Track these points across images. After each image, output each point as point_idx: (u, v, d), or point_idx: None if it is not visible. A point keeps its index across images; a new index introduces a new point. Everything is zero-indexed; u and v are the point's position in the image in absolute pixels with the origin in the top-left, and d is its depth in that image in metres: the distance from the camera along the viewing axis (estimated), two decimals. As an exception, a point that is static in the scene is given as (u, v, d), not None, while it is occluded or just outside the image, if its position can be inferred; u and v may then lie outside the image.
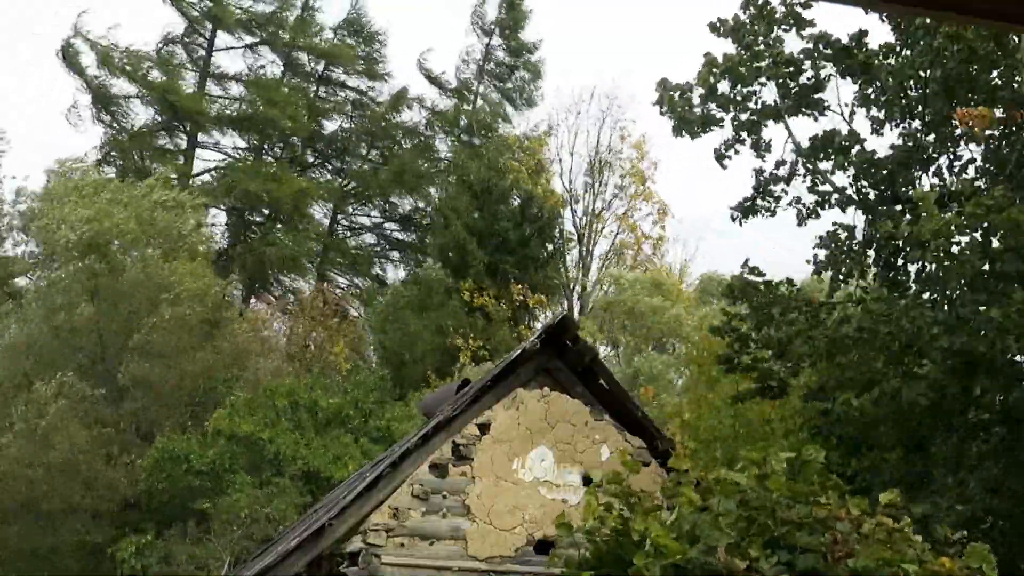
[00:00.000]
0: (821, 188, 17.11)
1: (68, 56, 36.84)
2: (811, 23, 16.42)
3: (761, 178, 17.36)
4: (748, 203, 17.36)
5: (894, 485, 9.72)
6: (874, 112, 16.84)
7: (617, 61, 61.11)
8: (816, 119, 16.97)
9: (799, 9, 16.37)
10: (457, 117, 39.94)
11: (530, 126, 40.06)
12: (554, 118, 39.95)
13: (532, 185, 35.18)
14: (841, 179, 17.09)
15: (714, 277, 39.52)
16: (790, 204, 17.32)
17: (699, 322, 30.68)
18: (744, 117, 16.89)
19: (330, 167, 42.21)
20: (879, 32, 17.07)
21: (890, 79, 15.95)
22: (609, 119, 38.35)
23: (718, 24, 16.69)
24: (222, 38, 39.44)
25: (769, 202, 17.36)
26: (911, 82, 16.01)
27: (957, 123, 15.19)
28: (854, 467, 15.26)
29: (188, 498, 23.97)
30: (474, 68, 40.74)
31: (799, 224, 17.12)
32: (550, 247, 36.17)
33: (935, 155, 16.33)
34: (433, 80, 40.91)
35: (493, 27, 40.35)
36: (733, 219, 17.46)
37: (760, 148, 17.15)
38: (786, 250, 22.95)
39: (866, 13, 15.78)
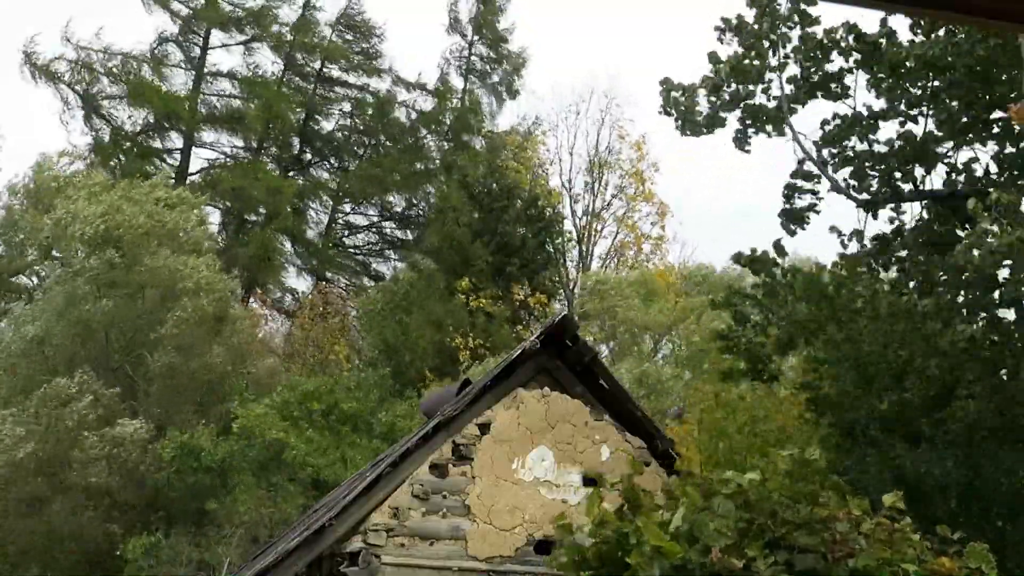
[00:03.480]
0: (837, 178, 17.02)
1: (33, 63, 36.72)
2: (817, 20, 16.39)
3: (794, 179, 17.21)
4: (792, 209, 17.17)
5: (890, 481, 9.72)
6: (882, 103, 16.73)
7: (608, 53, 61.07)
8: (836, 99, 16.85)
9: (803, 5, 16.33)
10: (441, 116, 39.66)
11: (518, 121, 39.89)
12: (552, 117, 39.90)
13: (531, 185, 35.10)
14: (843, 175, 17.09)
15: (700, 269, 39.26)
16: (821, 198, 17.17)
17: (693, 317, 30.55)
18: (747, 115, 16.87)
19: (327, 165, 42.18)
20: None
21: (909, 63, 15.76)
22: (608, 118, 38.34)
23: (723, 26, 16.67)
24: (217, 36, 39.48)
25: (811, 202, 17.18)
26: (929, 73, 15.89)
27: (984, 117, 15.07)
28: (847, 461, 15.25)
29: (196, 497, 23.90)
30: (456, 66, 40.45)
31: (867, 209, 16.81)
32: (550, 248, 36.10)
33: (945, 150, 16.27)
34: (411, 86, 40.60)
35: (469, 24, 40.01)
36: (786, 230, 17.20)
37: (778, 129, 16.97)
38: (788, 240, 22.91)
39: (889, 14, 15.74)
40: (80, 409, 24.69)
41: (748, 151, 17.16)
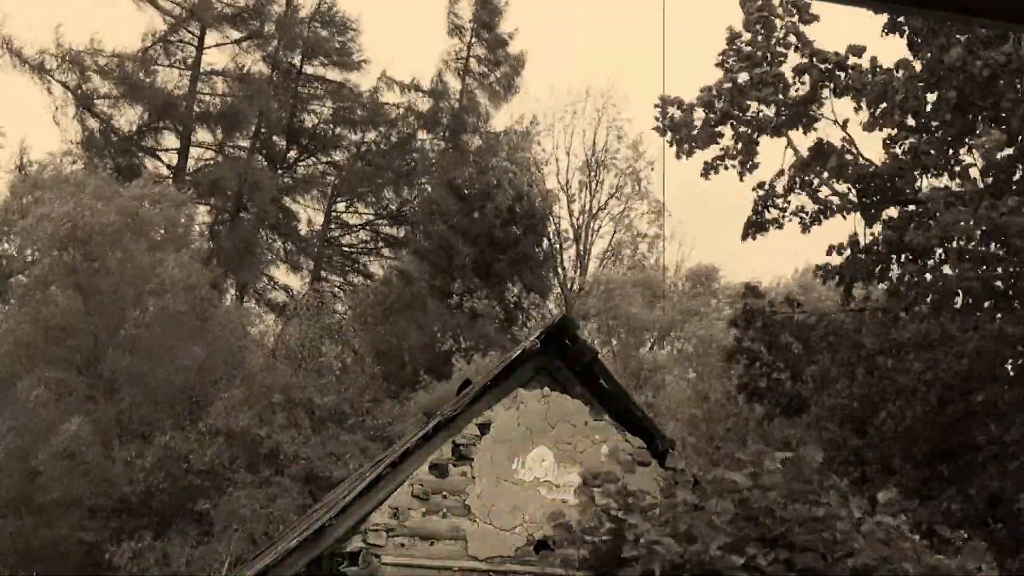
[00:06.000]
0: (820, 196, 17.27)
1: (17, 54, 36.58)
2: (812, 42, 16.55)
3: (762, 191, 17.51)
4: (757, 219, 17.52)
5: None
6: (867, 119, 16.90)
7: (605, 53, 60.93)
8: (806, 133, 17.14)
9: (801, 27, 16.46)
10: (437, 116, 39.52)
11: (514, 121, 39.83)
12: (549, 117, 39.86)
13: (519, 182, 34.94)
14: (839, 187, 17.21)
15: (701, 270, 39.23)
16: (794, 214, 17.47)
17: (693, 319, 30.60)
18: (742, 130, 17.00)
19: (316, 161, 42.07)
20: (885, 46, 17.00)
21: (895, 93, 15.89)
22: (605, 118, 38.36)
23: (728, 49, 16.80)
24: (211, 36, 39.39)
25: (776, 215, 17.53)
26: (917, 95, 16.00)
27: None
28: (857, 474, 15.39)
29: (187, 498, 23.89)
30: (453, 66, 40.25)
31: (804, 231, 17.25)
32: (544, 246, 36.02)
33: (940, 160, 16.37)
34: (404, 88, 40.36)
35: (470, 24, 39.83)
36: (744, 238, 17.61)
37: (747, 167, 17.35)
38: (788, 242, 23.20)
39: (890, 14, 15.81)
40: (35, 409, 24.56)
41: (709, 179, 17.58)
